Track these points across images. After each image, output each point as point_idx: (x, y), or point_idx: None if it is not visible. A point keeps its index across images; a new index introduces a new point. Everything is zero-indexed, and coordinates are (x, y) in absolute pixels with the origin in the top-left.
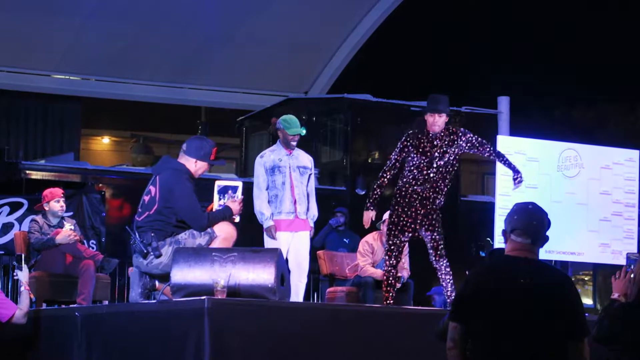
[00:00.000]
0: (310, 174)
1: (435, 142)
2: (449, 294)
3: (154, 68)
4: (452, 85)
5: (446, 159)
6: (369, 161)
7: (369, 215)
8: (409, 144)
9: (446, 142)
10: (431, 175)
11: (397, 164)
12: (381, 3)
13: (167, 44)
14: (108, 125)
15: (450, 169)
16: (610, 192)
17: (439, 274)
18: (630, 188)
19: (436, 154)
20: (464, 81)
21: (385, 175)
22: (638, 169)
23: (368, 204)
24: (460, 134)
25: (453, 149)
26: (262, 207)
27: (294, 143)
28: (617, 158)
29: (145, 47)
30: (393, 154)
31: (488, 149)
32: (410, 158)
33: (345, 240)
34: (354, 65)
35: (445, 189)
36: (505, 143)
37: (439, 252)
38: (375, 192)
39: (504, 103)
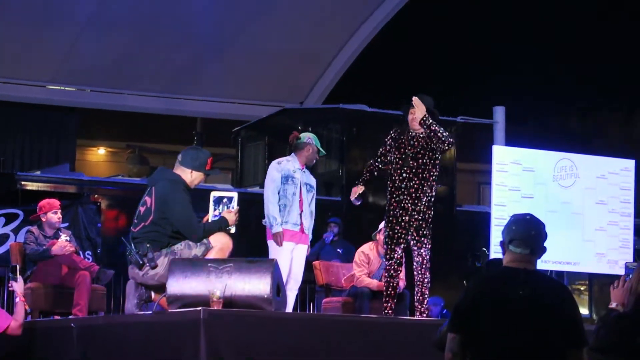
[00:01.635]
0: (313, 194)
1: (411, 142)
2: (422, 309)
3: (149, 79)
4: (447, 95)
5: (420, 161)
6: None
7: (355, 189)
8: (390, 138)
9: (422, 144)
10: (404, 175)
11: (384, 152)
12: (376, 13)
13: (163, 54)
14: (104, 136)
15: (427, 176)
16: (606, 201)
17: (419, 285)
18: (626, 197)
19: (410, 153)
20: (460, 91)
21: (372, 162)
22: (634, 178)
23: (357, 182)
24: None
25: (427, 152)
26: (274, 212)
27: (314, 161)
28: (612, 168)
29: (141, 57)
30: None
31: (438, 136)
32: (391, 159)
33: (338, 250)
34: (350, 76)
35: (424, 197)
36: (501, 153)
37: (424, 267)
38: (365, 173)
39: (499, 113)
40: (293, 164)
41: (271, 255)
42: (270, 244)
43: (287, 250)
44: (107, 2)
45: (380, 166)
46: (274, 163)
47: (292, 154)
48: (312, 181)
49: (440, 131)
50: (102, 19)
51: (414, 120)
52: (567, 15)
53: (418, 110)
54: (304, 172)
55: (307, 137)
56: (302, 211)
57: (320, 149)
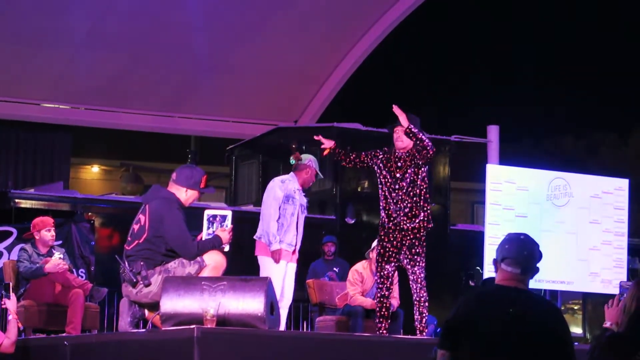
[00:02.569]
0: (305, 215)
1: (399, 164)
2: (421, 328)
3: (143, 97)
4: (441, 114)
5: (408, 179)
6: (359, 190)
7: (328, 143)
8: (380, 155)
9: (407, 163)
10: (399, 196)
11: (362, 154)
12: (371, 32)
13: (157, 73)
14: (98, 154)
15: (418, 191)
16: (600, 221)
17: (417, 304)
18: (620, 217)
19: (398, 175)
20: (454, 110)
21: (357, 153)
22: (627, 198)
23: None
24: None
25: (412, 169)
26: (275, 229)
27: (311, 185)
28: (606, 187)
29: (135, 76)
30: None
31: (424, 144)
32: (379, 180)
33: (335, 269)
34: (344, 95)
35: (422, 213)
36: (495, 172)
37: (419, 285)
38: (349, 152)
39: (493, 132)
40: (293, 184)
41: (262, 271)
42: (262, 259)
43: (281, 269)
44: (102, 21)
45: (356, 157)
46: (277, 181)
47: (292, 173)
48: (305, 201)
49: (425, 139)
50: (97, 37)
51: (398, 139)
52: (563, 36)
53: (401, 118)
54: (300, 193)
55: (309, 159)
56: (297, 232)
57: (319, 172)
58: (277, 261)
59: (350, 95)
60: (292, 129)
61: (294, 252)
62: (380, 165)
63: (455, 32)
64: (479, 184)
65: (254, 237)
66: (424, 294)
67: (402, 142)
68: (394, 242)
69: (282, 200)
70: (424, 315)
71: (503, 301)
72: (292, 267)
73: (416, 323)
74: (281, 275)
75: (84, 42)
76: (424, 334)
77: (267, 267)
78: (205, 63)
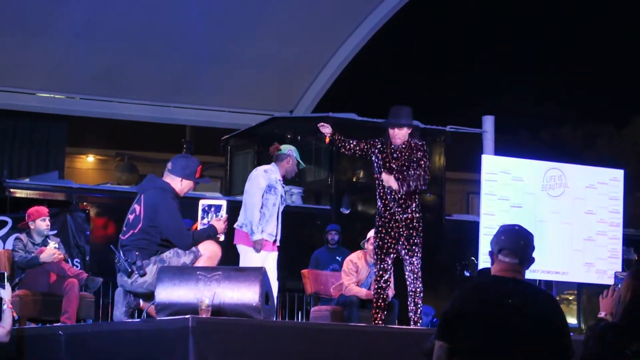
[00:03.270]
0: (284, 205)
1: (395, 155)
2: (416, 318)
3: (139, 87)
4: (437, 104)
5: (404, 173)
6: (354, 180)
7: (325, 128)
8: (378, 145)
9: (405, 156)
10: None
11: (362, 142)
12: (366, 22)
13: (153, 63)
14: (93, 144)
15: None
16: (595, 211)
17: (412, 295)
18: (615, 207)
19: (394, 166)
20: (449, 100)
21: (357, 141)
22: (622, 188)
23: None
24: (414, 148)
25: (407, 162)
26: (258, 219)
27: (293, 174)
28: (601, 177)
29: (131, 66)
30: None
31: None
32: (375, 170)
33: (337, 257)
34: (339, 84)
35: (413, 203)
36: (490, 162)
37: (415, 276)
38: (346, 139)
39: (488, 122)
40: (275, 173)
41: (243, 261)
42: (241, 248)
43: (261, 258)
44: (99, 11)
45: (353, 144)
46: (261, 171)
47: (273, 163)
48: (284, 192)
49: (413, 187)
50: (93, 27)
51: (394, 137)
52: (561, 27)
53: (391, 183)
54: (282, 183)
55: (288, 149)
56: (277, 222)
57: (300, 161)
58: (258, 251)
59: (345, 85)
60: (287, 119)
61: (274, 242)
62: (378, 154)
63: (452, 21)
64: (474, 174)
65: (234, 225)
66: (420, 285)
67: (400, 139)
68: (392, 233)
69: (264, 190)
70: (419, 306)
71: (501, 292)
72: (273, 256)
73: (411, 314)
74: (261, 265)
75: (80, 31)
76: (419, 324)
77: (247, 256)
78: (202, 53)
